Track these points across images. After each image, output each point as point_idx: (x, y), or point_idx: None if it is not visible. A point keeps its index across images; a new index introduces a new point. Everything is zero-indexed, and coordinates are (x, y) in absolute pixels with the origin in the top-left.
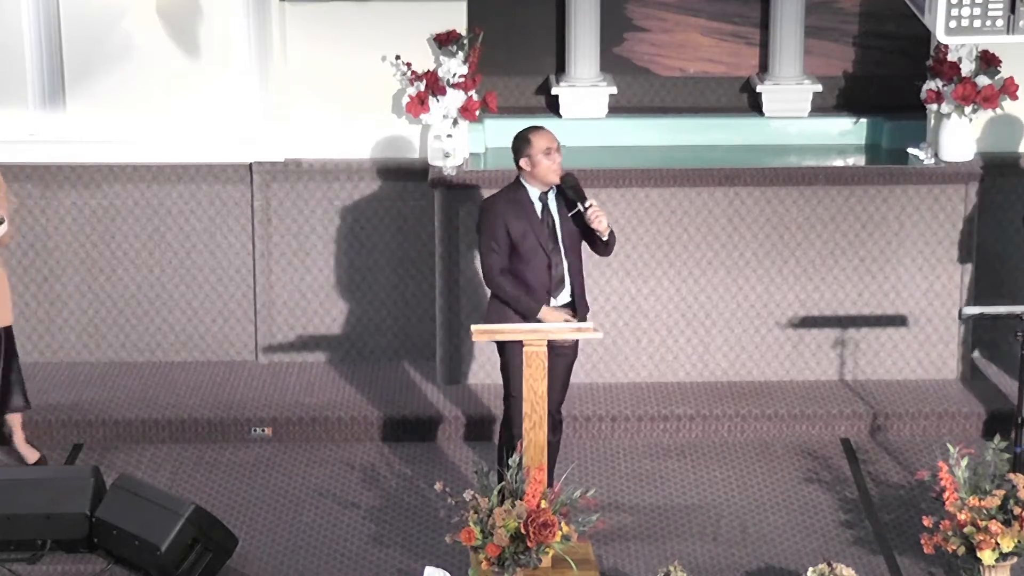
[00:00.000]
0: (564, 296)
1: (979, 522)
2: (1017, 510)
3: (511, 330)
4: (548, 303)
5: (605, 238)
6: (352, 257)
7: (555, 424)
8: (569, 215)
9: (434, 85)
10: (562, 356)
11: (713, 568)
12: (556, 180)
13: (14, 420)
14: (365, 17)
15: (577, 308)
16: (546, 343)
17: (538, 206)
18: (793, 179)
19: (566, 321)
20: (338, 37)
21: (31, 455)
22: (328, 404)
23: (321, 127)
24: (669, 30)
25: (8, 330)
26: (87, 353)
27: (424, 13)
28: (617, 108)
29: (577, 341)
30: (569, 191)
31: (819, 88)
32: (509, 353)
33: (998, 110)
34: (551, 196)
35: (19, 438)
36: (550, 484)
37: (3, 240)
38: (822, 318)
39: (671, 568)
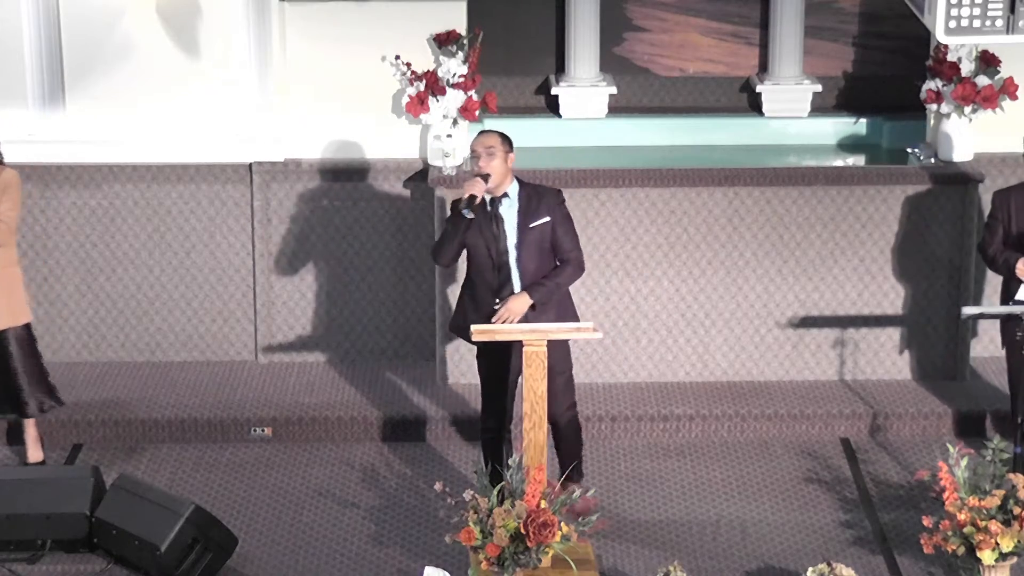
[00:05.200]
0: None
1: (979, 522)
2: (1017, 510)
3: (510, 330)
4: (492, 306)
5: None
6: (352, 257)
7: (561, 426)
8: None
9: (434, 85)
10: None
11: (713, 568)
12: (471, 187)
13: (30, 419)
14: (365, 17)
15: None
16: (546, 343)
17: (488, 208)
18: (793, 179)
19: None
20: (338, 37)
21: (35, 455)
22: (328, 404)
23: (321, 127)
24: (669, 30)
25: (27, 327)
26: (87, 353)
27: (424, 13)
28: (617, 108)
29: (560, 349)
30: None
31: (819, 88)
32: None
33: (998, 110)
34: (505, 201)
35: (32, 436)
36: (573, 478)
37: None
38: (822, 318)
39: (671, 568)
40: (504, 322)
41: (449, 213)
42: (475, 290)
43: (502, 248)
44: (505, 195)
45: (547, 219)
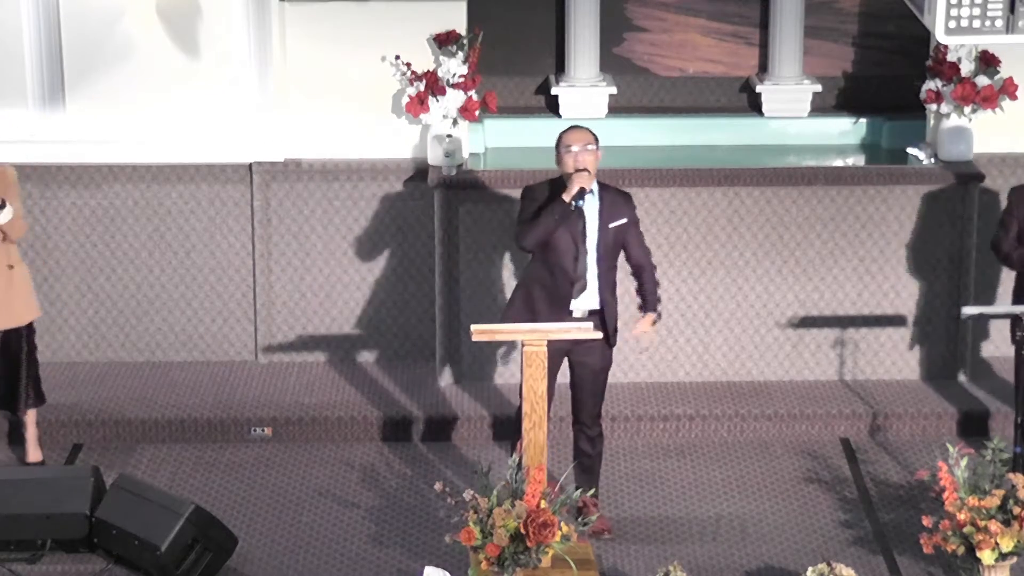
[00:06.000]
0: (588, 300)
1: (978, 522)
2: (1016, 510)
3: (511, 330)
4: (569, 297)
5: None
6: (352, 257)
7: (588, 438)
8: (610, 225)
9: (434, 85)
10: (585, 365)
11: (713, 568)
12: (581, 180)
13: (30, 417)
14: (365, 17)
15: (606, 321)
16: (546, 343)
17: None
18: (793, 179)
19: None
20: (338, 37)
21: (34, 455)
22: (328, 404)
23: (321, 127)
24: (669, 30)
25: (30, 326)
26: (87, 353)
27: (424, 13)
28: (617, 108)
29: (602, 348)
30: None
31: (819, 88)
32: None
33: (997, 110)
34: (589, 198)
35: (32, 435)
36: (595, 495)
37: (9, 231)
38: (822, 318)
39: (671, 568)
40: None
41: (527, 198)
42: (552, 282)
43: (585, 241)
44: (590, 191)
45: (624, 220)
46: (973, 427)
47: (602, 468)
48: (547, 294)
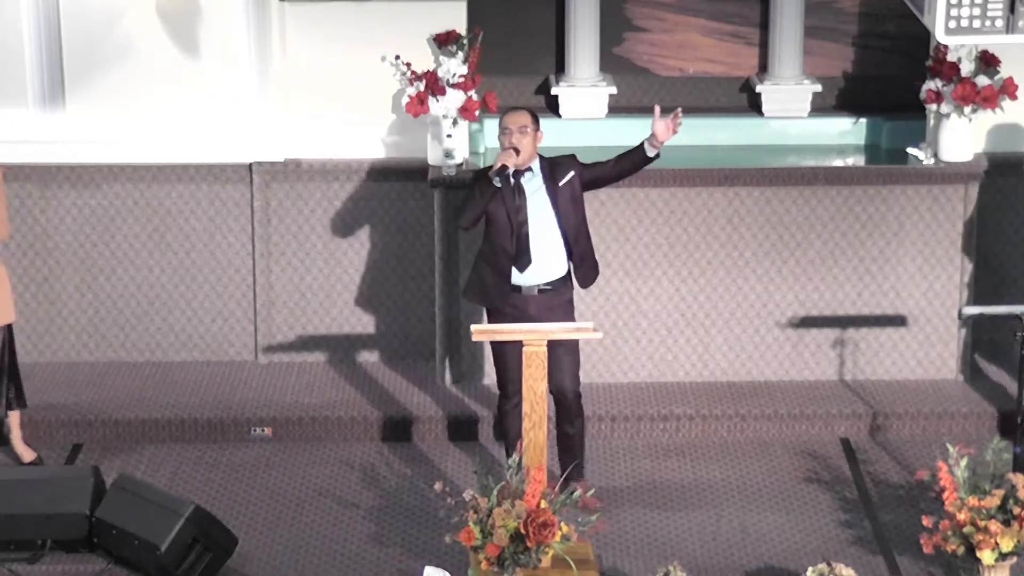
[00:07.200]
0: (542, 273)
1: (978, 522)
2: (1017, 510)
3: (511, 330)
4: (509, 272)
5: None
6: (352, 257)
7: (568, 419)
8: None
9: (434, 85)
10: (556, 344)
11: (713, 568)
12: (504, 158)
13: (13, 419)
14: (365, 17)
15: (580, 278)
16: (546, 343)
17: (512, 180)
18: (793, 179)
19: (503, 167)
20: (338, 37)
21: (27, 455)
22: (328, 404)
23: (321, 127)
24: (669, 30)
25: (8, 328)
26: (87, 353)
27: (424, 13)
28: (617, 108)
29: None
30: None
31: (819, 88)
32: (497, 350)
33: (997, 110)
34: (528, 175)
35: (16, 436)
36: (574, 477)
37: None
38: (822, 318)
39: (671, 568)
40: None
41: (472, 179)
42: (494, 258)
43: (522, 217)
44: (528, 169)
45: (572, 173)
46: (973, 427)
47: (601, 466)
48: (492, 270)
